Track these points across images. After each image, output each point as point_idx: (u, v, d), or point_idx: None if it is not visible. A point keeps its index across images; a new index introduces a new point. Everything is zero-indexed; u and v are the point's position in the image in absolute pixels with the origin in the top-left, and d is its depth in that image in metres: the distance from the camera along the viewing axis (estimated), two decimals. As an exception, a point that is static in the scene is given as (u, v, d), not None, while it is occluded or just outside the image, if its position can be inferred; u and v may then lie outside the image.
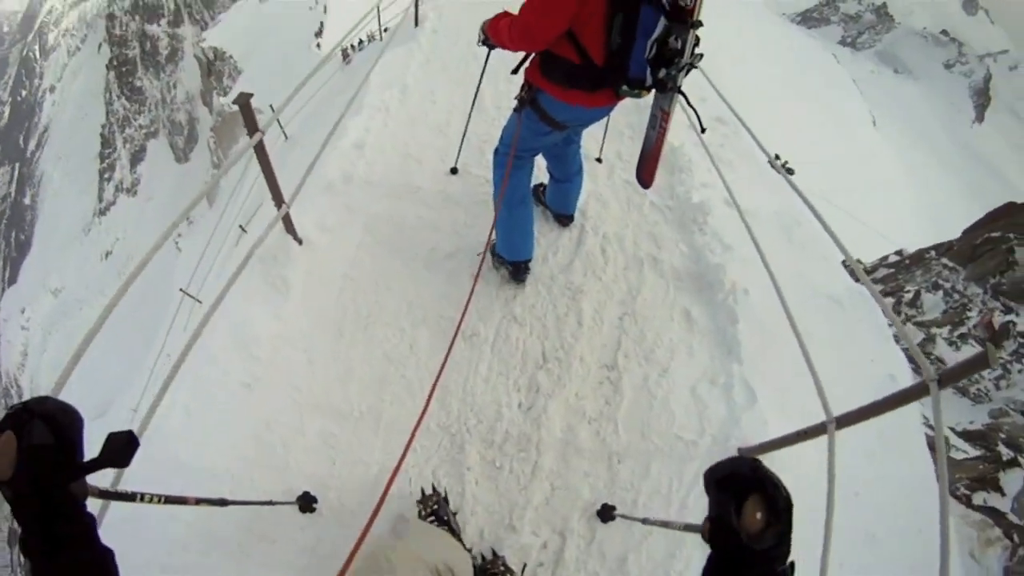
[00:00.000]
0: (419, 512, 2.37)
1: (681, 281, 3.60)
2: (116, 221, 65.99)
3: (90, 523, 0.91)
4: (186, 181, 58.17)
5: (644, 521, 2.29)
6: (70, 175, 75.58)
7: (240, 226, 5.86)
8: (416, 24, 6.57)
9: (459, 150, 4.14)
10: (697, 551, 2.48)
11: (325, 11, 36.04)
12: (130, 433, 0.93)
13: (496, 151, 3.16)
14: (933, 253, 17.16)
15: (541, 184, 3.84)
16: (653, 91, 2.54)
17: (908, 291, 15.89)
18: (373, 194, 3.93)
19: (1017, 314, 14.34)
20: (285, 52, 33.87)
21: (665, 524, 2.13)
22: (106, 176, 69.40)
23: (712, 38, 4.71)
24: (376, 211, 3.79)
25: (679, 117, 4.59)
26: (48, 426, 0.84)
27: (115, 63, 68.45)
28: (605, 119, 3.62)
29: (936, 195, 49.54)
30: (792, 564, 0.86)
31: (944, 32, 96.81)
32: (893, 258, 18.32)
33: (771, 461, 2.52)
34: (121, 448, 0.91)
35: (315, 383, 2.91)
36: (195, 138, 61.92)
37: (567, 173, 3.44)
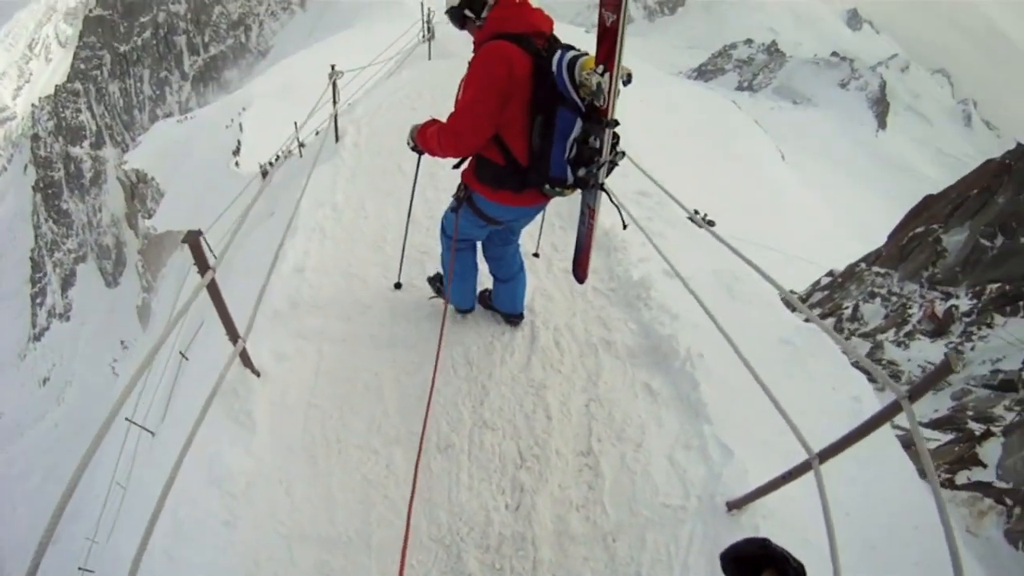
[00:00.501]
0: None
1: (636, 358, 3.74)
2: (51, 347, 63.25)
3: None
4: (117, 305, 56.41)
5: None
6: (3, 300, 72.72)
7: (181, 352, 5.65)
8: (336, 139, 6.73)
9: (400, 265, 4.22)
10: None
11: (241, 129, 36.40)
12: None
13: (442, 229, 3.40)
14: (863, 265, 17.70)
15: (487, 289, 3.97)
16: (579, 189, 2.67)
17: (846, 307, 16.28)
18: (322, 317, 3.95)
19: (957, 297, 14.84)
20: (205, 172, 33.85)
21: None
22: (38, 301, 67.04)
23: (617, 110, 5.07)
24: (328, 334, 3.82)
25: (608, 212, 4.93)
26: None
27: (41, 185, 67.57)
28: (540, 215, 3.72)
29: (856, 210, 52.10)
30: None
31: (834, 53, 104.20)
32: (825, 280, 18.84)
33: (761, 507, 2.67)
34: None
35: (298, 513, 2.87)
36: (123, 261, 60.54)
37: (509, 274, 3.59)
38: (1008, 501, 8.65)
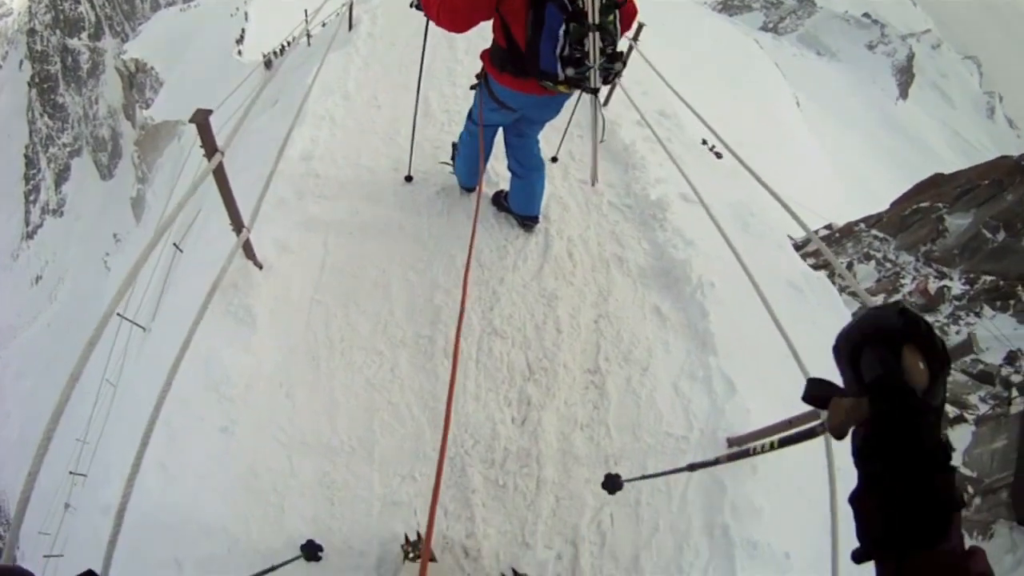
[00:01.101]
0: (406, 554, 2.32)
1: (648, 279, 3.63)
2: (44, 244, 62.87)
3: None
4: (112, 198, 55.72)
5: (655, 475, 2.44)
6: None
7: (174, 244, 5.47)
8: (350, 28, 6.39)
9: (410, 158, 4.01)
10: (704, 538, 2.52)
11: (246, 18, 34.94)
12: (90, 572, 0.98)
13: (469, 113, 3.44)
14: (863, 225, 17.73)
15: (502, 191, 3.87)
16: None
17: (841, 263, 16.36)
18: (329, 208, 3.76)
19: (950, 279, 14.94)
20: (207, 61, 32.74)
21: (674, 471, 2.25)
22: (32, 198, 65.94)
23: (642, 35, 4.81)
24: (335, 226, 3.64)
25: (630, 114, 4.71)
26: None
27: (37, 80, 65.18)
28: (558, 119, 3.54)
29: (862, 170, 51.50)
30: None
31: (866, 15, 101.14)
32: (823, 232, 18.86)
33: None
34: None
35: (299, 420, 2.72)
36: (119, 153, 59.36)
37: (526, 167, 3.51)
38: (970, 489, 8.85)
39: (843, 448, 1.98)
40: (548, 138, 4.25)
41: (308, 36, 8.49)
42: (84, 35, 66.80)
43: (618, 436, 2.85)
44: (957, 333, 13.25)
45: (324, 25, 8.27)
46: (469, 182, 3.86)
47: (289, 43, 10.41)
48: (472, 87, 3.19)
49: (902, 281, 15.08)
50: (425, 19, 2.96)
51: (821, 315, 3.67)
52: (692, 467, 2.27)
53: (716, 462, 2.32)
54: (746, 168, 3.03)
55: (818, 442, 1.98)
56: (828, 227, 19.20)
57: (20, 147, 67.66)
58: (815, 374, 2.19)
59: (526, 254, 3.61)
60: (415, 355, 3.01)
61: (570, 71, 2.49)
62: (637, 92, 5.21)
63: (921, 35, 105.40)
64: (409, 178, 4.05)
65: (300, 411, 2.75)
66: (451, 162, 3.99)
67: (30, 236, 64.18)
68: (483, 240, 3.64)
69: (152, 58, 42.12)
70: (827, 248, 2.59)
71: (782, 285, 3.78)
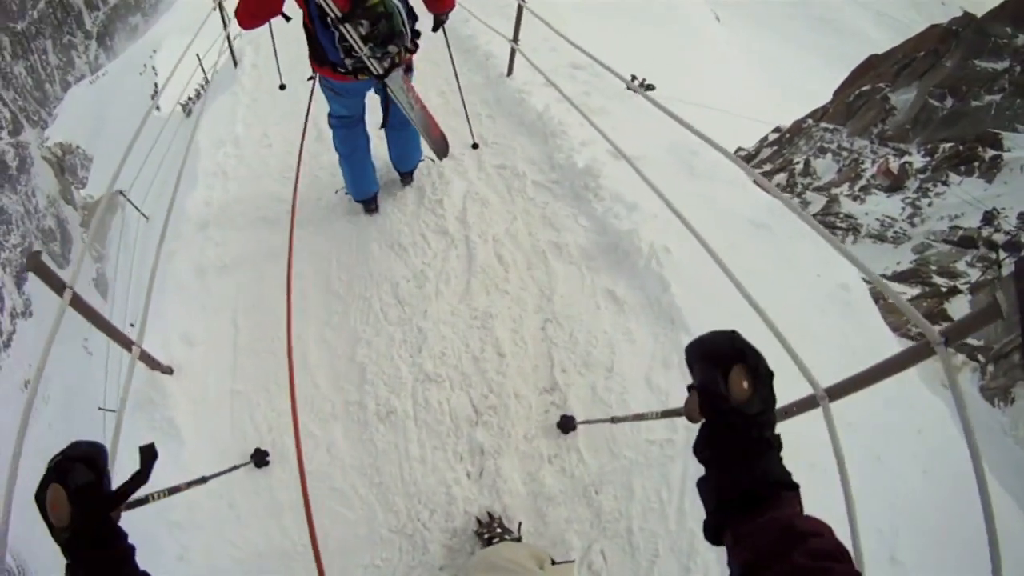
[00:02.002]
0: (482, 536, 2.27)
1: (593, 260, 3.24)
2: (22, 348, 61.70)
3: (130, 546, 0.96)
4: (75, 284, 54.75)
5: (613, 420, 2.24)
6: None
7: (131, 324, 5.31)
8: (235, 64, 6.11)
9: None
10: (711, 552, 2.22)
11: (156, 72, 34.06)
12: (152, 446, 1.02)
13: (328, 117, 3.26)
14: (810, 121, 17.74)
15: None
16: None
17: (797, 162, 16.36)
18: (232, 279, 3.36)
19: (910, 153, 14.87)
20: (128, 124, 31.84)
21: (639, 417, 2.03)
22: (-2, 307, 64.63)
23: None
24: (241, 300, 3.24)
25: (533, 77, 4.34)
26: (86, 465, 0.91)
27: (-32, 191, 63.42)
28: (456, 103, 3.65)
29: (797, 71, 51.21)
30: (778, 435, 0.86)
31: None
32: (773, 136, 18.82)
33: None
34: (147, 462, 1.01)
35: (247, 531, 2.46)
36: (69, 239, 57.88)
37: (396, 122, 3.25)
38: (980, 358, 8.70)
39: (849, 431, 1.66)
40: (454, 127, 4.05)
41: (207, 82, 8.05)
42: (4, 133, 64.92)
43: (593, 459, 2.50)
44: (929, 205, 13.12)
45: (216, 68, 7.92)
46: (362, 190, 3.50)
47: (202, 86, 10.13)
48: (308, 78, 3.11)
49: (862, 167, 14.95)
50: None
51: (795, 249, 3.34)
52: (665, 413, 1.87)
53: (643, 417, 2.00)
54: (652, 102, 2.87)
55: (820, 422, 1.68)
56: (777, 130, 19.03)
57: None
58: (796, 322, 2.01)
59: (447, 273, 3.20)
60: (348, 426, 2.66)
61: (349, 61, 2.53)
62: (545, 49, 4.82)
63: None
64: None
65: (246, 521, 2.49)
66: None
67: (7, 345, 63.01)
68: (397, 269, 3.25)
69: (75, 137, 41.11)
70: (780, 193, 2.27)
71: (745, 226, 3.44)
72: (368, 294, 3.10)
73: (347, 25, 2.35)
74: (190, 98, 12.64)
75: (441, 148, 3.49)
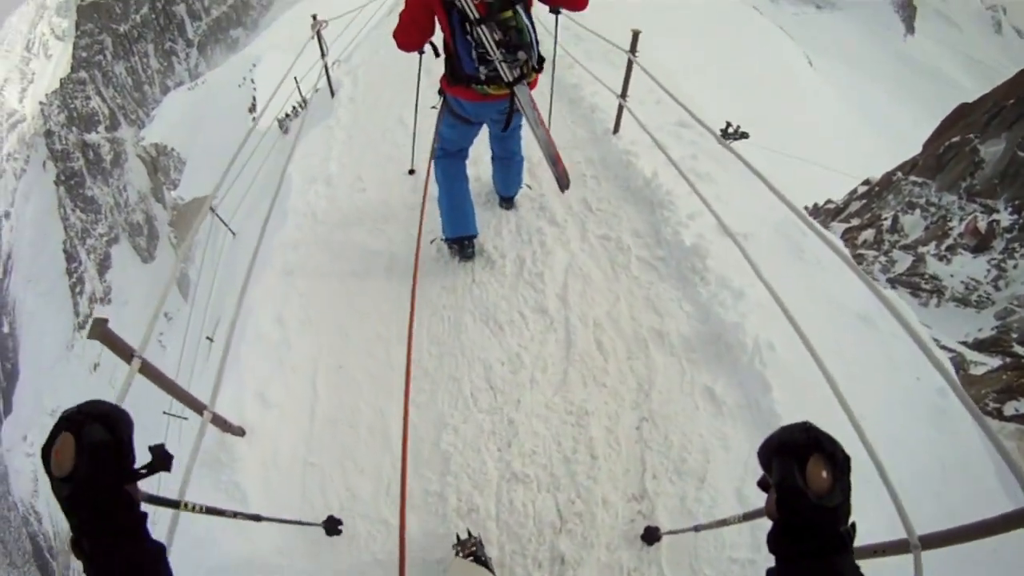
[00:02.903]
0: (456, 553, 2.25)
1: (695, 352, 3.02)
2: None
3: (143, 519, 0.91)
4: (156, 280, 57.57)
5: (696, 529, 2.16)
6: (43, 296, 75.16)
7: (208, 337, 5.34)
8: (332, 94, 6.10)
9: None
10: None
11: (254, 86, 35.57)
12: (163, 445, 0.97)
13: (433, 152, 3.51)
14: (900, 174, 17.06)
15: None
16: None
17: (885, 218, 15.68)
18: (315, 337, 3.23)
19: (997, 211, 14.11)
20: (223, 133, 33.28)
21: (721, 523, 1.95)
22: (77, 290, 68.84)
23: (638, 22, 4.35)
24: (324, 361, 3.11)
25: (644, 138, 4.17)
26: (104, 426, 0.87)
27: (63, 178, 68.05)
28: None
29: (888, 115, 49.78)
30: (853, 524, 0.84)
31: None
32: (862, 189, 18.17)
33: None
34: (164, 455, 0.96)
35: None
36: (156, 235, 61.30)
37: (503, 152, 3.63)
38: None
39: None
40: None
41: (304, 104, 8.25)
42: (101, 128, 69.43)
43: (673, 574, 2.30)
44: (1015, 267, 12.35)
45: (317, 90, 8.09)
46: (459, 226, 3.50)
47: (299, 105, 10.47)
48: (432, 107, 3.36)
49: (950, 224, 14.21)
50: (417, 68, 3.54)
51: (898, 349, 3.06)
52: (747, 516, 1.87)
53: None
54: (738, 157, 2.94)
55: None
56: (866, 183, 18.33)
57: (58, 243, 70.87)
58: (887, 431, 2.02)
59: (544, 360, 2.99)
60: (425, 519, 2.48)
61: (483, 70, 2.70)
62: (651, 102, 4.69)
63: None
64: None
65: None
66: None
67: (81, 326, 66.82)
68: (491, 350, 3.07)
69: (171, 139, 43.30)
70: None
71: (850, 320, 3.20)
72: (459, 374, 2.93)
73: (484, 28, 2.56)
74: (287, 114, 13.13)
75: (563, 177, 3.36)
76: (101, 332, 1.92)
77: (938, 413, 2.84)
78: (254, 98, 34.24)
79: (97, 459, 0.84)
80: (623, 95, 4.34)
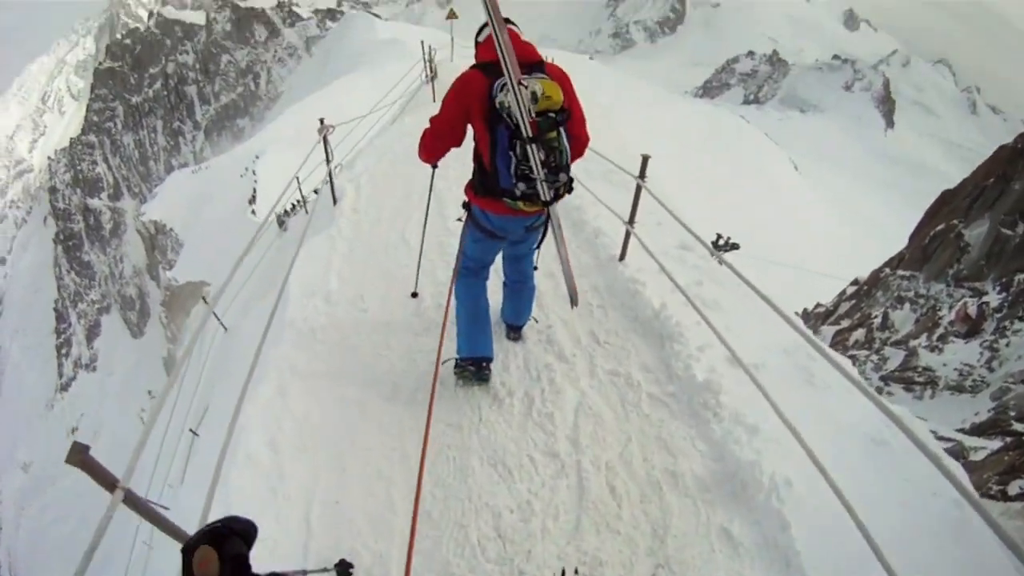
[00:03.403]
0: None
1: (709, 491, 2.92)
2: (79, 396, 64.20)
3: None
4: (144, 356, 56.71)
5: None
6: (29, 350, 74.06)
7: (191, 430, 5.30)
8: (335, 201, 6.12)
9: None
10: None
11: (255, 177, 36.43)
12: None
13: (457, 263, 3.48)
14: (887, 270, 17.27)
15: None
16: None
17: (875, 316, 15.76)
18: (310, 465, 3.08)
19: (986, 292, 14.21)
20: (223, 221, 33.68)
21: None
22: (64, 352, 67.84)
23: (631, 135, 4.45)
24: (318, 492, 2.95)
25: (646, 263, 4.19)
26: (242, 540, 1.11)
27: (62, 237, 68.53)
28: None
29: (873, 214, 51.32)
30: None
31: (835, 57, 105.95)
32: (851, 289, 18.38)
33: None
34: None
35: None
36: (147, 312, 60.87)
37: (517, 276, 3.66)
38: None
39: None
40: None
41: (302, 203, 8.30)
42: (104, 195, 70.51)
43: None
44: (1007, 346, 12.31)
45: (316, 192, 8.17)
46: (478, 346, 3.46)
47: (299, 203, 10.57)
48: (458, 219, 3.43)
49: (939, 314, 14.23)
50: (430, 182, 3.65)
51: (912, 467, 3.03)
52: None
53: None
54: (737, 274, 3.01)
55: None
56: (855, 282, 18.58)
57: (49, 301, 70.49)
58: (909, 555, 1.98)
59: (556, 507, 2.84)
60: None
61: (521, 186, 2.70)
62: (651, 224, 4.77)
63: (889, 58, 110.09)
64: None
65: None
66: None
67: (64, 388, 65.49)
68: (500, 496, 2.92)
69: (170, 219, 43.56)
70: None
71: (864, 444, 3.17)
72: (465, 521, 2.77)
73: (534, 146, 2.57)
74: (286, 211, 13.31)
75: (575, 293, 3.64)
76: (81, 460, 1.81)
77: (957, 526, 2.77)
78: (255, 190, 34.91)
79: (236, 569, 1.04)
80: (631, 221, 4.37)
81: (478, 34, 2.91)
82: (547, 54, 18.14)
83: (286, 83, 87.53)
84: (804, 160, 53.85)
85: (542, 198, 2.75)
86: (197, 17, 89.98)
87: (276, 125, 45.71)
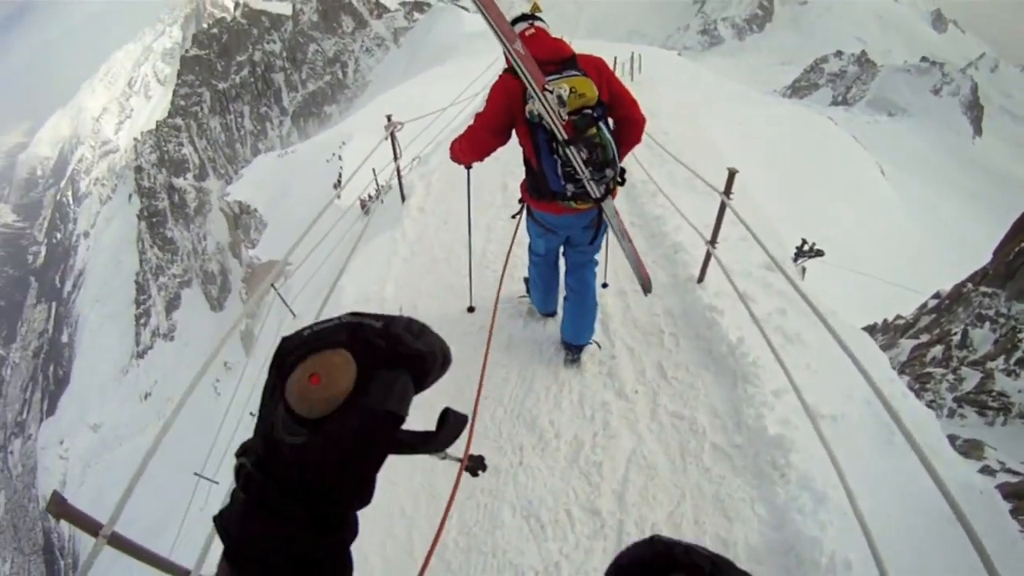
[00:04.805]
0: None
1: (761, 564, 2.59)
2: (154, 364, 68.22)
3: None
4: (222, 329, 59.51)
5: None
6: (107, 319, 79.17)
7: (251, 413, 5.21)
8: (403, 199, 5.99)
9: (470, 434, 2.80)
10: None
11: (341, 163, 37.25)
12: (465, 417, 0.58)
13: (528, 247, 3.62)
14: (970, 285, 16.36)
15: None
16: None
17: (955, 333, 14.91)
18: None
19: None
20: (307, 203, 34.64)
21: None
22: (142, 321, 72.26)
23: (717, 136, 4.16)
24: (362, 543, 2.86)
25: (726, 287, 3.88)
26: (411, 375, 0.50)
27: (146, 213, 72.36)
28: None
29: (959, 224, 48.54)
30: None
31: (924, 59, 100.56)
32: (932, 302, 17.44)
33: None
34: (453, 430, 0.56)
35: None
36: (228, 288, 63.81)
37: (576, 291, 3.49)
38: None
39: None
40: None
41: (377, 197, 8.34)
42: (189, 175, 74.13)
43: None
44: None
45: (389, 188, 8.13)
46: (547, 306, 3.95)
47: (379, 189, 10.68)
48: (513, 216, 3.51)
49: (1019, 336, 13.29)
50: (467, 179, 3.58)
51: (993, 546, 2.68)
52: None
53: None
54: (802, 296, 2.89)
55: None
56: (936, 296, 17.54)
57: (131, 273, 75.24)
58: None
59: (587, 573, 2.57)
60: None
61: (571, 187, 2.69)
62: (735, 239, 4.39)
63: (978, 61, 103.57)
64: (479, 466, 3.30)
65: None
66: (527, 293, 4.11)
67: (140, 356, 69.74)
68: (527, 554, 2.67)
69: (255, 200, 45.09)
70: None
71: (939, 525, 2.68)
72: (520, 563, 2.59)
73: (572, 148, 2.55)
74: (370, 196, 13.60)
75: (646, 281, 3.54)
76: (60, 510, 1.78)
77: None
78: (340, 175, 35.70)
79: (379, 427, 0.49)
80: (713, 241, 3.99)
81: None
82: (634, 50, 17.67)
83: (374, 72, 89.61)
84: (890, 166, 51.19)
85: (593, 196, 2.73)
86: (284, 8, 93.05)
87: (363, 113, 46.61)
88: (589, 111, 2.55)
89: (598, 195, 2.73)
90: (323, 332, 0.51)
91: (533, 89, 2.42)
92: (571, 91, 2.50)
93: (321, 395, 0.47)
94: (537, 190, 2.91)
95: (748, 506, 2.85)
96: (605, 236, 3.47)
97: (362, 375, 0.49)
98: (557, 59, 2.62)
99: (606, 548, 2.70)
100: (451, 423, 0.57)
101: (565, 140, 2.54)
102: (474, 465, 2.12)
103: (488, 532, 2.79)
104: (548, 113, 2.46)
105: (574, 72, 2.58)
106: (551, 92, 2.46)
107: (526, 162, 2.91)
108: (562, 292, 3.67)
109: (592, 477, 3.00)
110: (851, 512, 2.50)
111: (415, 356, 0.51)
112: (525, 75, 2.39)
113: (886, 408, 2.30)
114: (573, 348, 3.69)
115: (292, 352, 0.50)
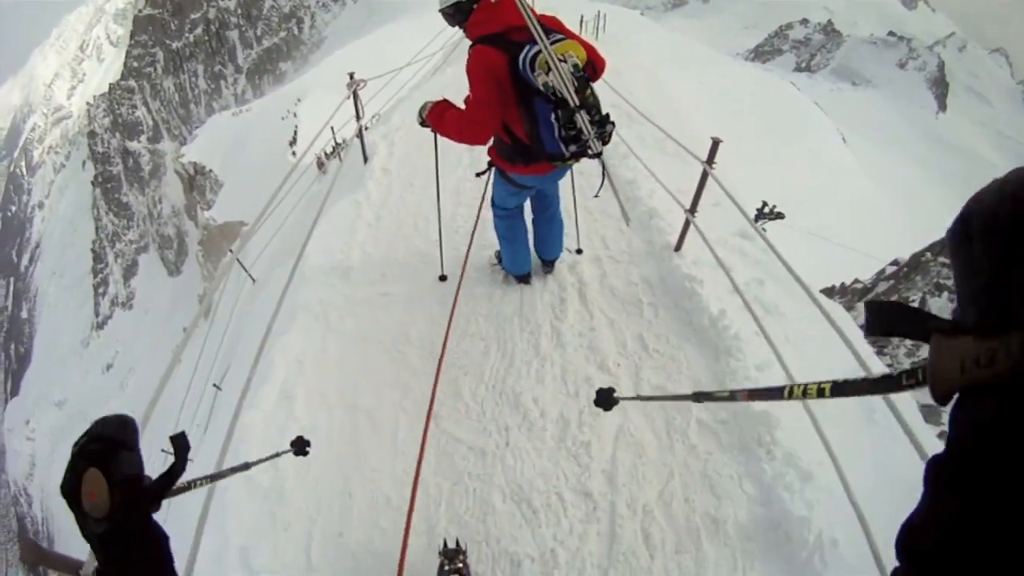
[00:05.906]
0: (442, 565, 2.17)
1: (750, 541, 2.53)
2: (114, 334, 66.89)
3: (166, 540, 0.85)
4: (180, 293, 58.41)
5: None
6: (65, 290, 76.97)
7: (215, 385, 5.29)
8: (365, 160, 5.71)
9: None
10: None
11: (297, 120, 36.25)
12: (183, 435, 0.93)
13: (492, 202, 3.73)
14: (928, 255, 16.80)
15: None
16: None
17: (913, 300, 15.26)
18: (314, 491, 2.79)
19: None
20: (262, 162, 33.70)
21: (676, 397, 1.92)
22: (100, 291, 70.51)
23: (679, 96, 3.99)
24: (320, 522, 2.66)
25: (704, 255, 3.81)
26: (129, 451, 0.81)
27: (100, 179, 70.14)
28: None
29: (919, 195, 49.64)
30: None
31: (891, 33, 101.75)
32: (890, 269, 17.84)
33: None
34: (182, 452, 0.91)
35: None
36: (185, 251, 62.33)
37: (547, 213, 3.82)
38: None
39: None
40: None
41: (335, 152, 7.94)
42: (143, 138, 71.47)
43: None
44: None
45: (339, 145, 7.75)
46: (520, 267, 3.98)
47: (336, 145, 10.21)
48: (478, 174, 3.45)
49: None
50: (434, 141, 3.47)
51: None
52: (697, 397, 1.64)
53: (732, 397, 1.45)
54: (778, 257, 2.86)
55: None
56: (895, 263, 17.91)
57: (87, 242, 72.99)
58: None
59: (583, 559, 2.47)
60: None
61: (572, 148, 2.68)
62: (708, 205, 4.11)
63: (946, 40, 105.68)
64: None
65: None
66: (499, 262, 4.14)
67: (100, 327, 68.15)
68: (522, 542, 2.55)
69: (210, 160, 43.86)
70: None
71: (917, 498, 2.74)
72: (481, 569, 2.44)
73: (582, 112, 2.53)
74: (326, 153, 13.16)
75: (626, 212, 3.52)
76: (35, 557, 1.57)
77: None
78: (295, 132, 34.81)
79: (131, 494, 0.79)
80: (692, 210, 3.84)
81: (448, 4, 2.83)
82: (600, 8, 17.32)
83: (330, 28, 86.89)
84: (852, 134, 51.77)
85: (595, 151, 2.70)
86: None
87: (319, 70, 45.43)
88: (582, 73, 2.55)
89: (600, 150, 2.71)
90: (75, 463, 0.76)
91: (554, 62, 2.38)
92: (574, 59, 2.53)
93: (98, 501, 0.75)
94: (523, 156, 2.94)
95: (736, 484, 2.77)
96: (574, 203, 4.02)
97: (105, 472, 0.75)
98: (545, 27, 2.58)
99: (600, 531, 2.60)
100: (177, 446, 0.89)
101: (576, 106, 2.51)
102: (298, 446, 2.19)
103: (479, 520, 2.66)
104: (564, 83, 2.43)
105: (560, 36, 2.62)
106: (565, 61, 2.46)
107: (509, 133, 2.89)
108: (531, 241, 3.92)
109: (581, 458, 2.89)
110: (835, 492, 2.43)
111: (118, 441, 0.79)
112: (547, 48, 2.34)
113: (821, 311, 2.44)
114: (548, 263, 4.10)
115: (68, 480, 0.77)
